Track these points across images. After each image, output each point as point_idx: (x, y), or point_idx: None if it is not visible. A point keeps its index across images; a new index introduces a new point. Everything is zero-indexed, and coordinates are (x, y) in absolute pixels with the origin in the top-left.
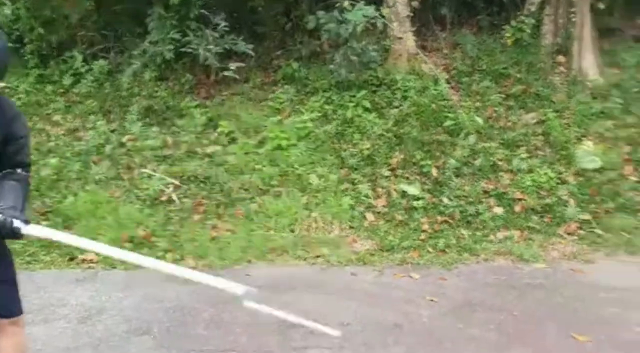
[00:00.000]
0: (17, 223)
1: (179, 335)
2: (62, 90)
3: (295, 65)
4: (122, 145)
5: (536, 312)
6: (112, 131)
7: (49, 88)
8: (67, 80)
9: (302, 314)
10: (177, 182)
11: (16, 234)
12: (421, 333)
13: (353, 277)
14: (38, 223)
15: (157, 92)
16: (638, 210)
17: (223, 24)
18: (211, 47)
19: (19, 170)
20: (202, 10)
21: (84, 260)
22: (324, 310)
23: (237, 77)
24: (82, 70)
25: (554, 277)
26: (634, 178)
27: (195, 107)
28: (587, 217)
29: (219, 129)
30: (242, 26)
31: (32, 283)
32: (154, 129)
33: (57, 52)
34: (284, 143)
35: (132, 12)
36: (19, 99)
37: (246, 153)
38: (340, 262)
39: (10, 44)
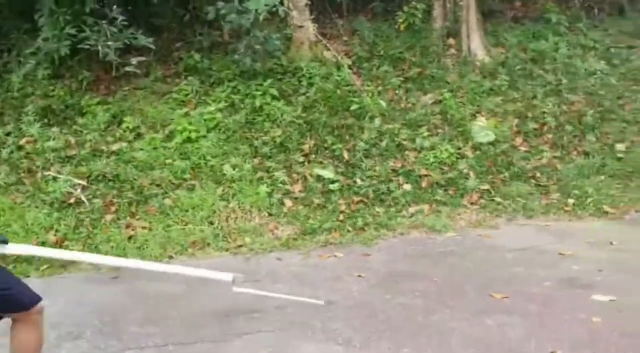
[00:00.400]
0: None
1: (114, 335)
2: None
3: (197, 56)
4: (20, 148)
5: (454, 276)
6: (7, 134)
7: None
8: None
9: (237, 301)
10: (84, 183)
11: None
12: (354, 307)
13: (279, 262)
14: None
15: (53, 90)
16: (530, 177)
17: (121, 18)
18: (110, 43)
19: None
20: (97, 5)
21: None
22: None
23: (138, 71)
24: None
25: (464, 244)
26: (523, 149)
27: (97, 104)
28: (486, 187)
29: (124, 125)
30: (139, 19)
31: None
32: (54, 129)
33: None
34: (193, 135)
35: (18, 7)
36: None
37: (154, 148)
38: (265, 249)
39: None
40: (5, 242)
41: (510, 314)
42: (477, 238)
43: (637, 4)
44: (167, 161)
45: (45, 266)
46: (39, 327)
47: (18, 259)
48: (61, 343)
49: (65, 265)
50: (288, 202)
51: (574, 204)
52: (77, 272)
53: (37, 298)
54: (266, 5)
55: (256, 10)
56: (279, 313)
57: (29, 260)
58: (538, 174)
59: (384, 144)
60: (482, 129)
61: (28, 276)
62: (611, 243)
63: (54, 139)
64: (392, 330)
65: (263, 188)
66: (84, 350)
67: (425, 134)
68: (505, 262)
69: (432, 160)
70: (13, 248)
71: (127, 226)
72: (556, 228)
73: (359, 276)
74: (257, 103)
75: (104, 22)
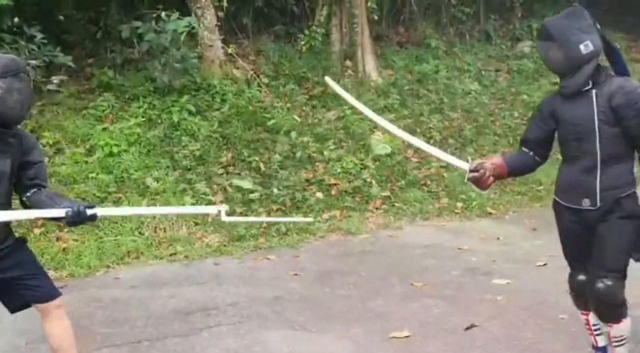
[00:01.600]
0: (90, 210)
1: (86, 336)
2: None
3: (110, 73)
4: None
5: (377, 271)
6: None
7: None
8: None
9: (191, 301)
10: None
11: (92, 218)
12: (300, 300)
13: (217, 267)
14: None
15: None
16: (423, 185)
17: (40, 35)
18: (32, 61)
19: (42, 189)
20: (16, 20)
21: None
22: (208, 295)
23: (61, 90)
24: None
25: (378, 243)
26: (415, 160)
27: None
28: (387, 193)
29: (44, 140)
30: (51, 35)
31: None
32: None
33: None
34: (115, 149)
35: None
36: None
37: (76, 162)
38: (200, 256)
39: None
40: (93, 206)
41: (431, 297)
42: (388, 239)
43: (500, 31)
44: (91, 175)
45: None
46: (65, 317)
47: None
48: (36, 346)
49: None
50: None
51: (462, 207)
52: None
53: (58, 293)
54: (185, 26)
55: (175, 30)
56: (233, 309)
57: None
58: (429, 182)
59: (297, 155)
60: (380, 143)
61: None
62: (498, 238)
63: None
64: (338, 316)
65: (187, 200)
66: None
67: (332, 146)
68: (417, 257)
69: (339, 170)
70: (102, 211)
71: (58, 239)
72: (451, 227)
73: (295, 274)
74: (175, 118)
75: (22, 40)
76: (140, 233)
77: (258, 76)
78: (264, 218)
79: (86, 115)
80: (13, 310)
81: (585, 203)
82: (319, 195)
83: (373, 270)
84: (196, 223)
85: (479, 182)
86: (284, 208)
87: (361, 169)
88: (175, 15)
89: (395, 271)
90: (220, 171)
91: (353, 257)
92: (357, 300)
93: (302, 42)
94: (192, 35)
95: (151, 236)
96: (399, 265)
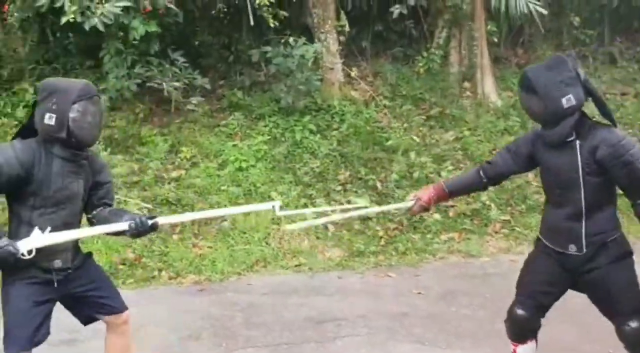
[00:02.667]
0: (151, 220)
1: (228, 336)
2: (15, 123)
3: (239, 93)
4: None
5: (501, 293)
6: None
7: (2, 120)
8: (20, 113)
9: (321, 311)
10: (150, 206)
11: (153, 228)
12: (427, 317)
13: (341, 280)
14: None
15: (113, 121)
16: (543, 209)
17: (181, 59)
18: (175, 83)
19: (107, 207)
20: (163, 46)
21: None
22: (336, 306)
23: (199, 110)
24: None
25: (500, 267)
26: (535, 184)
27: (155, 134)
28: (506, 217)
29: (181, 155)
30: (189, 60)
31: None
32: (119, 156)
33: (8, 85)
34: (243, 164)
35: (83, 46)
36: None
37: (209, 175)
38: (323, 269)
39: None
40: (154, 217)
41: (562, 323)
42: (510, 263)
43: (626, 53)
44: (222, 187)
45: (130, 280)
46: (128, 335)
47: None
48: (185, 343)
49: (147, 279)
50: (331, 227)
51: None
52: (161, 285)
53: (125, 307)
54: (313, 52)
55: (302, 55)
56: (362, 321)
57: (114, 274)
58: None
59: (415, 175)
60: None
61: (120, 289)
62: None
63: (120, 166)
64: (466, 335)
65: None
66: (207, 348)
67: (450, 167)
68: None
69: None
70: (163, 220)
71: (194, 245)
72: None
73: (419, 293)
74: (297, 137)
75: (166, 63)
76: (267, 243)
77: (376, 97)
78: (318, 209)
79: (218, 132)
80: (84, 322)
81: (572, 248)
82: (437, 216)
83: (498, 292)
84: (317, 237)
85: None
86: (400, 227)
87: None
88: (302, 40)
89: None
90: (339, 188)
91: (476, 278)
92: (484, 320)
93: (420, 64)
94: (314, 58)
95: (277, 247)
96: None
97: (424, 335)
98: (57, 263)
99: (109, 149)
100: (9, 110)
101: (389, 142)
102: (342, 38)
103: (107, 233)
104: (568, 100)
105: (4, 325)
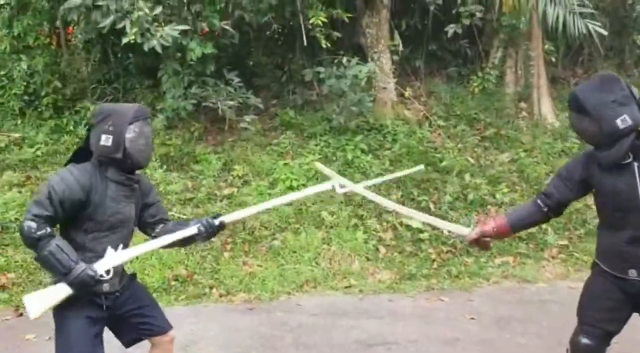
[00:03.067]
0: (217, 220)
1: None
2: (77, 140)
3: (291, 112)
4: None
5: (558, 321)
6: None
7: (65, 138)
8: (81, 130)
9: (371, 334)
10: None
11: (221, 227)
12: (479, 343)
13: (392, 303)
14: None
15: (170, 140)
16: (598, 233)
17: (236, 80)
18: (229, 102)
19: (167, 223)
20: (218, 67)
21: None
22: (386, 330)
23: (252, 128)
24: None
25: (557, 294)
26: (595, 208)
27: (209, 153)
28: (564, 242)
29: (234, 173)
30: (244, 79)
31: None
32: (174, 174)
33: (71, 104)
34: (294, 183)
35: (142, 66)
36: (38, 148)
37: (261, 193)
38: (373, 291)
39: (26, 97)
40: (218, 216)
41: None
42: (568, 290)
43: None
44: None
45: (182, 296)
46: None
47: (158, 289)
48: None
49: (199, 295)
50: (382, 249)
51: None
52: (212, 302)
53: (170, 326)
54: (366, 72)
55: (355, 75)
56: (413, 346)
57: (167, 290)
58: None
59: (469, 197)
60: None
61: (172, 305)
62: None
63: (175, 183)
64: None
65: (360, 235)
66: None
67: (505, 190)
68: None
69: None
70: (228, 218)
71: (244, 264)
72: None
73: (472, 318)
74: (349, 156)
75: (221, 83)
76: (317, 263)
77: (430, 117)
78: (374, 181)
79: (270, 151)
80: (128, 343)
81: (632, 274)
82: None
83: (555, 321)
84: (368, 259)
85: (480, 246)
86: (454, 250)
87: None
88: (355, 60)
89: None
90: (390, 209)
91: (532, 305)
92: (540, 350)
93: (475, 84)
94: (368, 78)
95: (327, 267)
96: None
97: None
98: (106, 287)
99: (164, 167)
100: (71, 127)
101: (443, 163)
102: (395, 57)
103: (179, 243)
104: (623, 121)
105: None
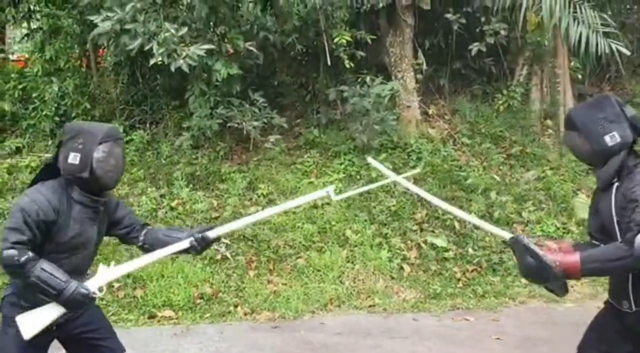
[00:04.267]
0: (212, 233)
1: None
2: None
3: (315, 132)
4: (172, 209)
5: None
6: (162, 196)
7: None
8: None
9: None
10: (228, 242)
11: (215, 240)
12: None
13: (416, 322)
14: (110, 284)
15: (195, 159)
16: None
17: (261, 100)
18: (254, 122)
19: (148, 228)
20: (244, 87)
21: (163, 317)
22: (410, 350)
23: (276, 148)
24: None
25: (586, 314)
26: None
27: (234, 172)
28: None
29: (259, 191)
30: (268, 99)
31: (134, 339)
32: (199, 193)
33: None
34: (318, 202)
35: (169, 87)
36: None
37: (285, 213)
38: (397, 310)
39: (57, 118)
40: (211, 228)
41: None
42: (597, 310)
43: None
44: (298, 225)
45: (207, 314)
46: None
47: (183, 307)
48: None
49: (224, 313)
50: (407, 268)
51: None
52: (237, 321)
53: (123, 349)
54: (389, 91)
55: (378, 94)
56: None
57: (192, 308)
58: None
59: (495, 215)
60: (584, 205)
61: (197, 323)
62: None
63: (200, 202)
64: None
65: (384, 253)
66: None
67: (531, 208)
68: None
69: (539, 233)
70: (218, 230)
71: (269, 282)
72: None
73: (498, 338)
74: (373, 175)
75: (246, 103)
76: (341, 282)
77: (454, 135)
78: (368, 187)
79: (294, 169)
80: None
81: (625, 305)
82: None
83: None
84: (392, 278)
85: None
86: (479, 269)
87: (563, 233)
88: (379, 80)
89: None
90: (415, 227)
91: (559, 326)
92: None
93: (500, 102)
94: (391, 97)
95: (351, 286)
96: None
97: None
98: None
99: (190, 186)
100: None
101: (468, 181)
102: (419, 76)
103: (172, 255)
104: (612, 138)
105: None
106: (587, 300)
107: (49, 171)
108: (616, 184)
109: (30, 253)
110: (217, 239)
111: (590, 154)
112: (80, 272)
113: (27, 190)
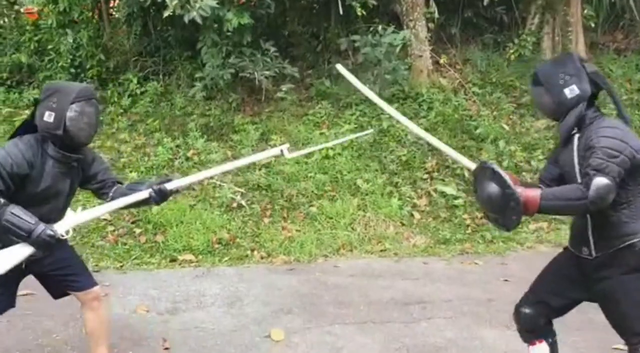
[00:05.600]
0: (170, 185)
1: (317, 313)
2: (121, 110)
3: (327, 82)
4: (187, 159)
5: None
6: (177, 146)
7: (110, 108)
8: (125, 101)
9: (407, 294)
10: (243, 191)
11: (175, 192)
12: (512, 303)
13: (426, 266)
14: (131, 230)
15: (209, 110)
16: None
17: (272, 49)
18: (265, 72)
19: (119, 185)
20: (255, 37)
21: (184, 260)
22: (421, 290)
23: (288, 98)
24: (138, 91)
25: None
26: None
27: (247, 123)
28: None
29: (271, 142)
30: (279, 49)
31: (158, 280)
32: (214, 144)
33: (114, 76)
34: (330, 153)
35: (181, 38)
36: None
37: (297, 163)
38: (408, 254)
39: (72, 70)
40: (170, 180)
41: None
42: None
43: None
44: (310, 174)
45: (226, 258)
46: (100, 311)
47: (203, 251)
48: (279, 315)
49: (241, 257)
50: (417, 215)
51: None
52: (254, 264)
53: (94, 284)
54: (401, 40)
55: (390, 43)
56: (447, 305)
57: (211, 252)
58: None
59: (504, 164)
60: None
61: (217, 265)
62: None
63: (215, 153)
64: (556, 323)
65: (394, 201)
66: (299, 322)
67: (540, 156)
68: None
69: None
70: (176, 183)
71: (283, 228)
72: None
73: (506, 280)
74: (384, 125)
75: (258, 53)
76: (352, 228)
77: (465, 85)
78: (323, 145)
79: (306, 121)
80: (55, 296)
81: (584, 252)
82: None
83: None
84: (402, 224)
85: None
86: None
87: None
88: (391, 29)
89: None
90: (425, 176)
91: None
92: (575, 310)
93: (511, 51)
94: (403, 46)
95: (362, 232)
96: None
97: (510, 320)
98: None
99: (205, 137)
100: (115, 99)
101: (478, 130)
102: (431, 25)
103: (134, 205)
104: (571, 91)
105: None
106: None
107: (27, 127)
108: (577, 135)
109: (2, 200)
110: (176, 191)
111: (552, 107)
112: (49, 220)
113: (5, 144)
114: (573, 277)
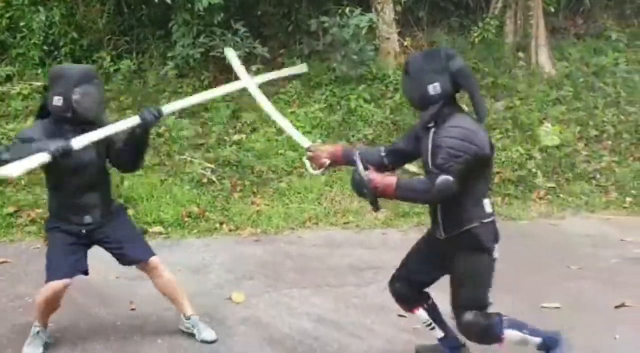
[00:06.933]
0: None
1: (278, 278)
2: None
3: (298, 62)
4: (159, 135)
5: (536, 253)
6: None
7: None
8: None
9: (363, 260)
10: (213, 166)
11: (161, 114)
12: None
13: (385, 236)
14: None
15: (180, 88)
16: (591, 178)
17: (243, 29)
18: (236, 52)
19: None
20: (226, 17)
21: (154, 232)
22: (377, 257)
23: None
24: (111, 69)
25: (538, 230)
26: (585, 153)
27: (219, 101)
28: (552, 185)
29: (242, 120)
30: (251, 29)
31: None
32: (185, 120)
33: (88, 54)
34: (300, 131)
35: (154, 17)
36: None
37: (268, 140)
38: (369, 226)
39: (45, 47)
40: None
41: (586, 279)
42: (548, 226)
43: None
44: (280, 151)
45: (195, 230)
46: (164, 275)
47: (172, 224)
48: (241, 281)
49: (210, 230)
50: None
51: (631, 202)
52: (222, 236)
53: (149, 255)
54: (367, 22)
55: (357, 25)
56: None
57: (181, 225)
58: (598, 176)
59: None
60: (548, 134)
61: (185, 238)
62: None
63: (186, 129)
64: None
65: None
66: (261, 287)
67: (498, 136)
68: (576, 244)
69: (503, 159)
70: (167, 108)
71: (252, 203)
72: (616, 221)
73: None
74: (352, 105)
75: (228, 33)
76: (319, 203)
77: None
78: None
79: (277, 99)
80: (122, 263)
81: (437, 233)
82: None
83: (530, 251)
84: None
85: (313, 161)
86: None
87: (527, 159)
88: (358, 11)
89: (553, 254)
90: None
91: (512, 240)
92: (510, 275)
93: (475, 34)
94: (370, 28)
95: (328, 206)
96: (556, 249)
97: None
98: (87, 219)
99: (176, 113)
100: None
101: None
102: (398, 8)
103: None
104: (434, 88)
105: (47, 261)
106: (542, 218)
107: (44, 111)
108: (433, 129)
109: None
110: (162, 114)
111: (415, 99)
112: (93, 188)
113: (29, 124)
114: (432, 254)
